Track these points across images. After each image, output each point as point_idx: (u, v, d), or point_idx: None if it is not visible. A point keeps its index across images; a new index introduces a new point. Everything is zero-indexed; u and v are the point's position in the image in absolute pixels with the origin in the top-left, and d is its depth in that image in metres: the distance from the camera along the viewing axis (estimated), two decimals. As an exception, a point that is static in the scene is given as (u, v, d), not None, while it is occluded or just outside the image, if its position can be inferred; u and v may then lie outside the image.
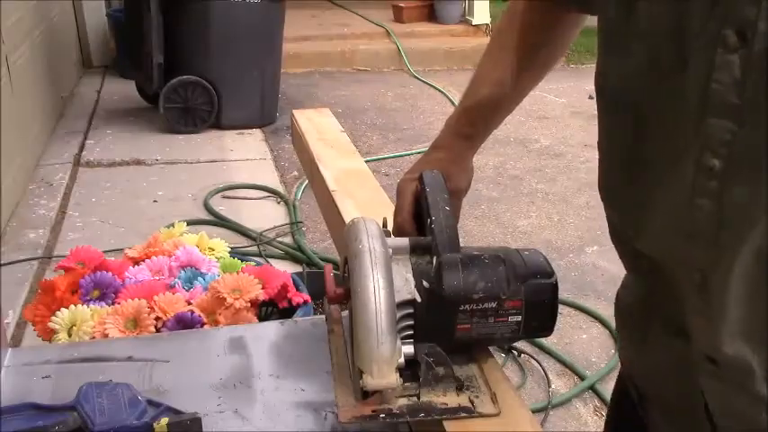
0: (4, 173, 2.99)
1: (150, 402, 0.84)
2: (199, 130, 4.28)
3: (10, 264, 2.78)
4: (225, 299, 1.25)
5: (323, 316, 1.00)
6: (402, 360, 0.75)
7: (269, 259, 2.77)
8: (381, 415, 0.75)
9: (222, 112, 4.28)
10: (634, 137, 0.72)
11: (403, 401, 0.77)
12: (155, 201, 3.46)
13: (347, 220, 1.09)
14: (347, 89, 5.49)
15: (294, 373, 0.95)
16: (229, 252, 1.54)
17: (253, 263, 1.55)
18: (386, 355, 0.72)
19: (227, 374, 0.95)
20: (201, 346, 1.04)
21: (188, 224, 1.62)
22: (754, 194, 0.61)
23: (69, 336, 1.23)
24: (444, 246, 0.81)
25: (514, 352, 2.54)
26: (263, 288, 1.31)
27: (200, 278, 1.37)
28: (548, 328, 0.81)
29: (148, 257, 1.42)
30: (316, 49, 6.05)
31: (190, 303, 1.28)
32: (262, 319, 1.34)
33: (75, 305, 1.26)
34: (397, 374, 0.74)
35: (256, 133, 4.38)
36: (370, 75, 5.93)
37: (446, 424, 0.74)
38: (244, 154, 4.09)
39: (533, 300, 0.79)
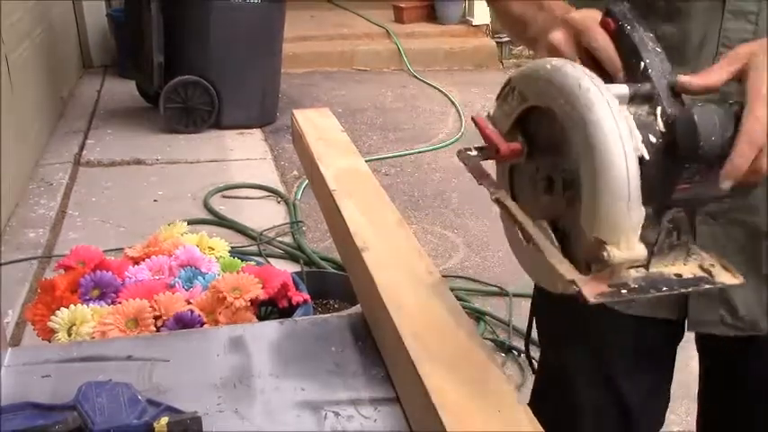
0: (3, 172, 2.99)
1: (150, 402, 0.84)
2: (199, 129, 4.28)
3: (10, 263, 2.78)
4: (225, 298, 1.25)
5: (323, 315, 1.00)
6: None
7: (269, 259, 2.77)
8: (623, 290, 0.67)
9: (222, 111, 4.28)
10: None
11: (632, 273, 0.68)
12: (155, 200, 3.46)
13: (348, 219, 1.09)
14: (347, 89, 5.49)
15: (294, 372, 0.95)
16: (229, 252, 1.54)
17: (253, 262, 1.55)
18: (635, 223, 0.64)
19: (227, 374, 0.95)
20: (201, 345, 1.03)
21: (188, 224, 1.61)
22: None
23: (69, 335, 1.23)
24: (668, 94, 0.70)
25: (514, 352, 2.53)
26: (262, 287, 1.31)
27: (199, 277, 1.36)
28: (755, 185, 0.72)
29: (148, 257, 1.42)
30: (316, 50, 6.05)
31: (189, 303, 1.28)
32: (261, 318, 1.34)
33: (75, 305, 1.26)
34: (642, 245, 0.65)
35: (256, 133, 4.38)
36: (371, 75, 5.92)
37: (446, 423, 0.74)
38: (244, 154, 4.09)
39: None
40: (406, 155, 4.22)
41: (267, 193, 3.57)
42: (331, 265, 2.82)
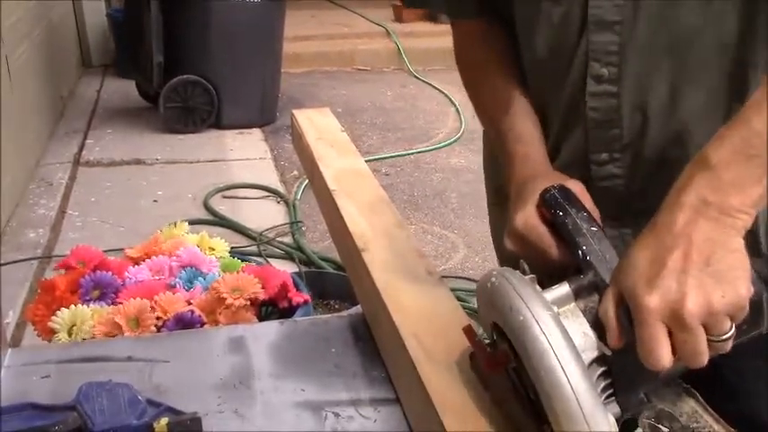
0: (3, 173, 2.99)
1: (150, 402, 0.84)
2: (199, 129, 4.27)
3: (10, 263, 2.78)
4: (225, 298, 1.25)
5: (323, 316, 1.00)
6: (617, 429, 0.64)
7: (269, 259, 2.77)
8: None
9: (222, 111, 4.28)
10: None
11: None
12: (155, 200, 3.45)
13: (347, 219, 1.09)
14: (347, 89, 5.48)
15: (294, 373, 0.95)
16: (229, 252, 1.54)
17: (253, 263, 1.55)
18: None
19: (227, 374, 0.95)
20: (201, 345, 1.04)
21: (188, 224, 1.61)
22: (647, 82, 0.84)
23: (69, 335, 1.23)
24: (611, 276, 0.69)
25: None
26: (262, 288, 1.31)
27: (200, 278, 1.36)
28: (757, 325, 0.68)
29: (149, 257, 1.42)
30: (316, 49, 6.04)
31: (190, 303, 1.28)
32: (262, 319, 1.34)
33: (76, 305, 1.26)
34: None
35: (256, 133, 4.37)
36: (371, 74, 5.92)
37: (446, 424, 0.74)
38: (244, 153, 4.08)
39: None
40: (405, 155, 4.22)
41: (267, 194, 3.56)
42: (331, 266, 2.82)
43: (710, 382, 0.98)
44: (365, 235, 1.05)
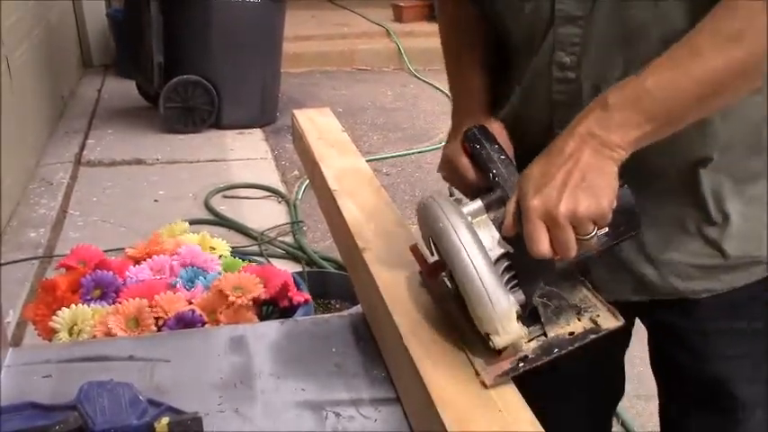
0: (4, 172, 2.99)
1: (151, 402, 0.84)
2: (199, 129, 4.27)
3: (10, 263, 2.78)
4: (228, 295, 1.25)
5: (324, 315, 1.00)
6: (518, 308, 0.79)
7: (270, 259, 2.77)
8: (521, 364, 0.80)
9: (222, 111, 4.27)
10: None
11: (533, 344, 0.83)
12: (155, 200, 3.45)
13: (348, 219, 1.09)
14: (347, 89, 5.49)
15: (294, 372, 0.96)
16: (230, 252, 1.54)
17: (254, 262, 1.55)
18: (504, 310, 0.77)
19: (228, 374, 0.95)
20: (202, 345, 1.04)
21: (189, 224, 1.61)
22: (602, 71, 0.92)
23: (70, 335, 1.23)
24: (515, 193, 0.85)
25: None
26: (263, 287, 1.31)
27: (201, 277, 1.36)
28: (635, 227, 0.85)
29: (149, 256, 1.42)
30: (316, 49, 6.04)
31: (191, 303, 1.28)
32: (262, 318, 1.34)
33: (76, 304, 1.26)
34: (520, 324, 0.79)
35: (257, 133, 4.37)
36: (371, 74, 5.92)
37: (447, 423, 0.74)
38: (244, 153, 4.08)
39: (614, 209, 0.81)
40: (406, 155, 4.22)
41: (268, 193, 3.56)
42: (332, 265, 2.82)
43: (677, 346, 1.08)
44: (366, 234, 1.05)
